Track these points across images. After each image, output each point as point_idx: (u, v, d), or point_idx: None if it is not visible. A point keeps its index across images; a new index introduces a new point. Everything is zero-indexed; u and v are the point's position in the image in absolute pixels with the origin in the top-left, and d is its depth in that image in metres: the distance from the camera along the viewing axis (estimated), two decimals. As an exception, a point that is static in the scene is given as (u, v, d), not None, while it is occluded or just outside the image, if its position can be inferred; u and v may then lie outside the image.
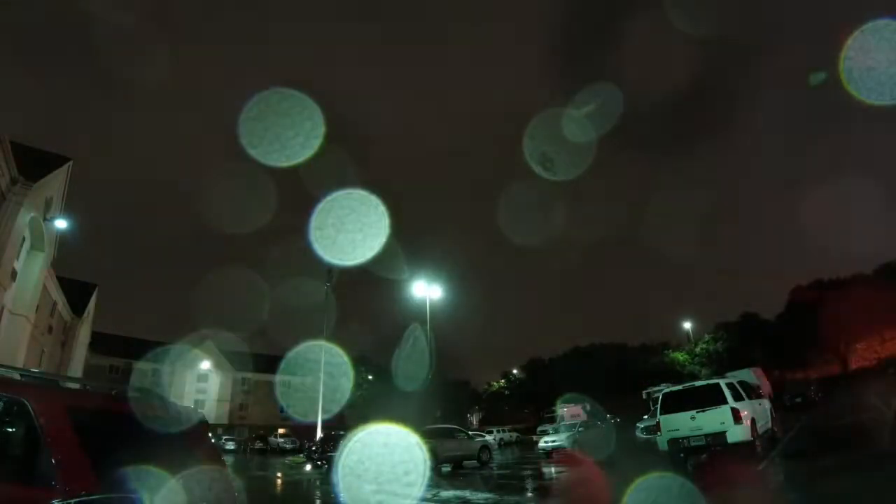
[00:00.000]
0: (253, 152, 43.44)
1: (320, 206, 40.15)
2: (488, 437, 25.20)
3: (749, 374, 25.99)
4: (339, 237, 38.90)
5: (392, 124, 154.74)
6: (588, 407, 32.68)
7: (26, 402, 2.66)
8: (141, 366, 53.90)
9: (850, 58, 36.84)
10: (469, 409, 65.46)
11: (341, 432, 25.69)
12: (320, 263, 35.49)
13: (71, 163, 26.19)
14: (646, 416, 19.36)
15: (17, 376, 3.10)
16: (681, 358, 50.40)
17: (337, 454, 14.43)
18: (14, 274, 21.93)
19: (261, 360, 62.02)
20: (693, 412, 10.21)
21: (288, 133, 44.28)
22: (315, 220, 39.18)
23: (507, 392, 62.32)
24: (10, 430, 2.77)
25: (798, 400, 29.77)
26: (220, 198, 69.19)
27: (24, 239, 22.54)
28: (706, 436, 9.90)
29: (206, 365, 57.27)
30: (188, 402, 47.01)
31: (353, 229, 39.28)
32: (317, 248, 36.82)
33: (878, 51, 35.83)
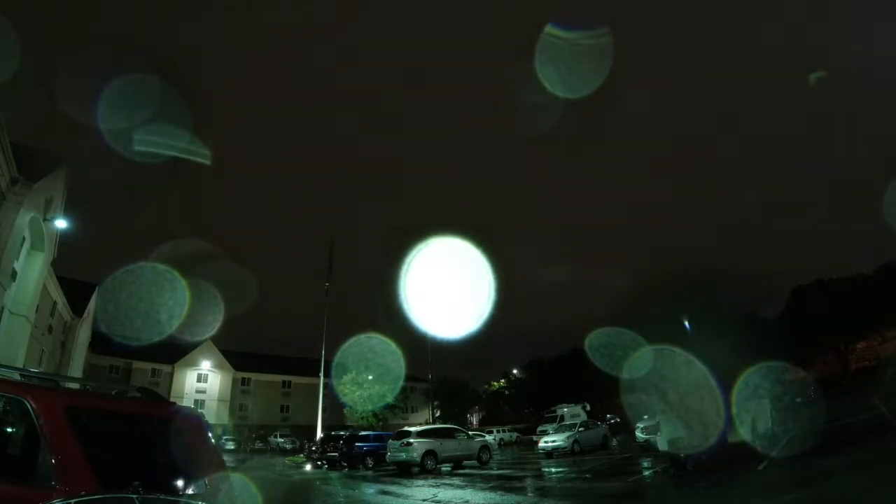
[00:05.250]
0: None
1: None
2: (488, 437, 25.19)
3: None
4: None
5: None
6: (588, 407, 32.70)
7: (26, 402, 2.66)
8: (141, 366, 53.88)
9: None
10: (469, 409, 65.36)
11: (342, 433, 25.72)
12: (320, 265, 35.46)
13: (71, 162, 26.18)
14: (646, 417, 19.33)
15: (17, 376, 3.11)
16: (680, 357, 50.34)
17: None
18: (14, 274, 21.91)
19: (261, 360, 61.99)
20: (693, 412, 10.19)
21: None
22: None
23: (507, 392, 62.28)
24: (10, 430, 2.77)
25: (798, 400, 29.76)
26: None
27: (24, 239, 22.51)
28: (706, 436, 9.88)
29: (206, 365, 57.27)
30: (188, 402, 47.06)
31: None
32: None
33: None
